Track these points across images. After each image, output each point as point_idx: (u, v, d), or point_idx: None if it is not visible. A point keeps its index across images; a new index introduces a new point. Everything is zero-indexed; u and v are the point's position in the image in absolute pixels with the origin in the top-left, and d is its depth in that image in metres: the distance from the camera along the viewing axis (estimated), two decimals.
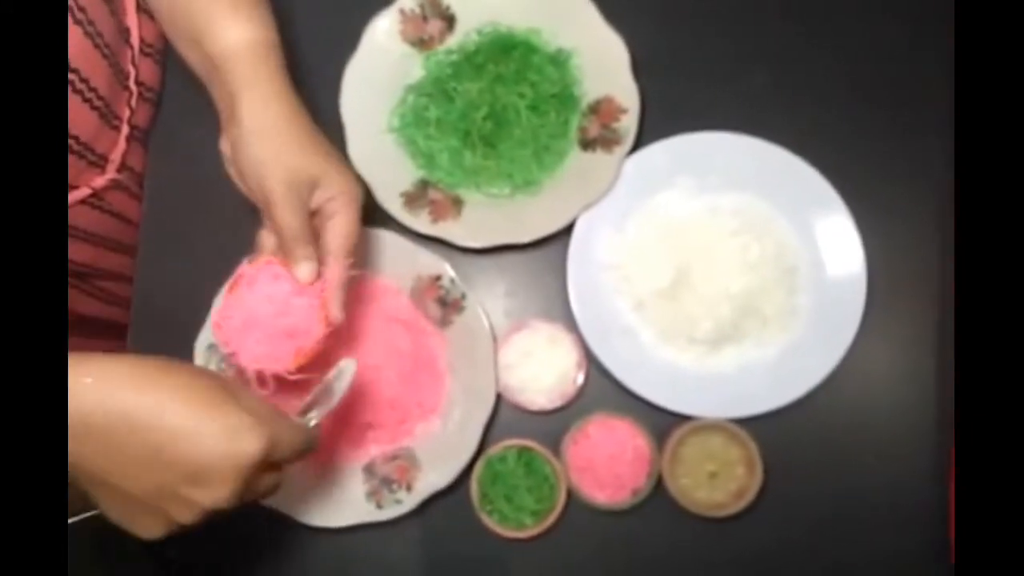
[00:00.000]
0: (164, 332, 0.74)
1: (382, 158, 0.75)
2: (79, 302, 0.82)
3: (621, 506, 0.70)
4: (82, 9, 0.63)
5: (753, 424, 0.70)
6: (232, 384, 0.50)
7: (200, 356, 0.72)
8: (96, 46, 0.65)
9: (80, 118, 0.66)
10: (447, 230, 0.73)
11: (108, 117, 0.70)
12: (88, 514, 0.54)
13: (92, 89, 0.66)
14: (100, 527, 0.51)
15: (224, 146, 0.62)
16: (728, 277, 0.72)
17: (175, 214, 0.77)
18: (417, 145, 0.76)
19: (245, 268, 0.63)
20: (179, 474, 0.46)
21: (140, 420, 0.45)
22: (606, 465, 0.71)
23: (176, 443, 0.46)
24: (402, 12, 0.76)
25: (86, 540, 0.55)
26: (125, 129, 0.73)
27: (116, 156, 0.73)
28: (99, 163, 0.72)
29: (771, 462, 0.69)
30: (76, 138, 0.67)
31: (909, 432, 0.72)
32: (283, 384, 0.62)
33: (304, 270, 0.61)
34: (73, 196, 0.71)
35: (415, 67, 0.77)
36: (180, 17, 0.62)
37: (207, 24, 0.60)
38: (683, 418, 0.71)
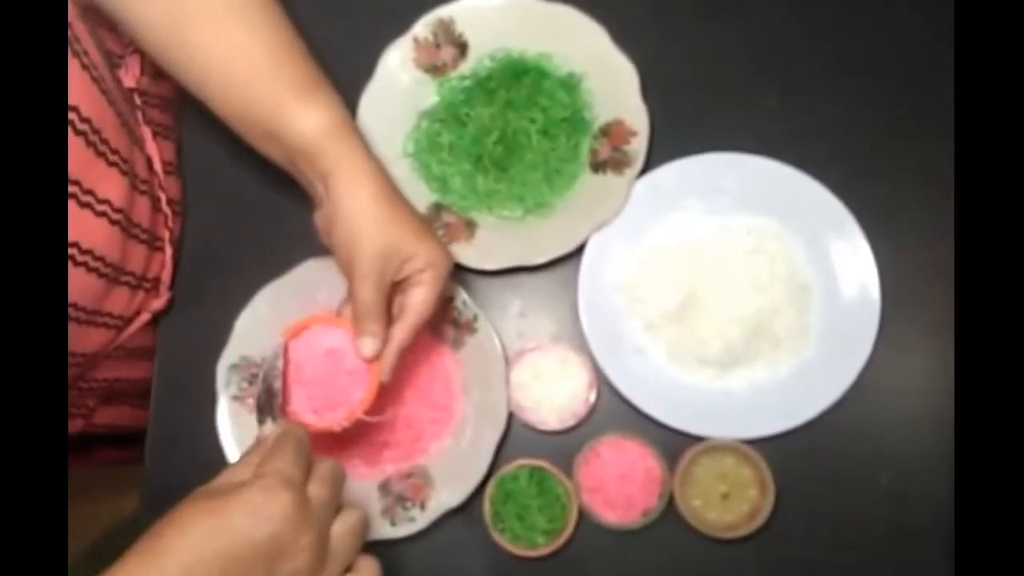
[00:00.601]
0: (188, 354, 0.76)
1: (397, 182, 0.76)
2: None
3: (632, 526, 0.70)
4: (125, 160, 0.65)
5: (765, 445, 0.70)
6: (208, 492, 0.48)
7: (222, 376, 0.74)
8: (134, 187, 0.68)
9: (134, 254, 0.69)
10: (460, 253, 0.74)
11: (152, 242, 0.73)
12: None
13: (136, 224, 0.69)
14: None
15: (318, 220, 0.64)
16: (739, 298, 0.73)
17: (199, 235, 0.80)
18: (431, 170, 0.78)
19: (312, 320, 0.66)
20: (261, 563, 0.46)
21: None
22: (617, 485, 0.71)
23: (235, 552, 0.45)
24: (416, 40, 0.78)
25: None
26: (169, 250, 0.75)
27: (166, 276, 0.76)
28: (154, 288, 0.75)
29: (783, 483, 0.69)
30: (132, 273, 0.70)
31: (923, 453, 0.71)
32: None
33: (367, 345, 0.63)
34: (138, 322, 0.74)
35: (429, 93, 0.79)
36: (249, 117, 0.63)
37: (279, 119, 0.61)
38: (695, 439, 0.71)
